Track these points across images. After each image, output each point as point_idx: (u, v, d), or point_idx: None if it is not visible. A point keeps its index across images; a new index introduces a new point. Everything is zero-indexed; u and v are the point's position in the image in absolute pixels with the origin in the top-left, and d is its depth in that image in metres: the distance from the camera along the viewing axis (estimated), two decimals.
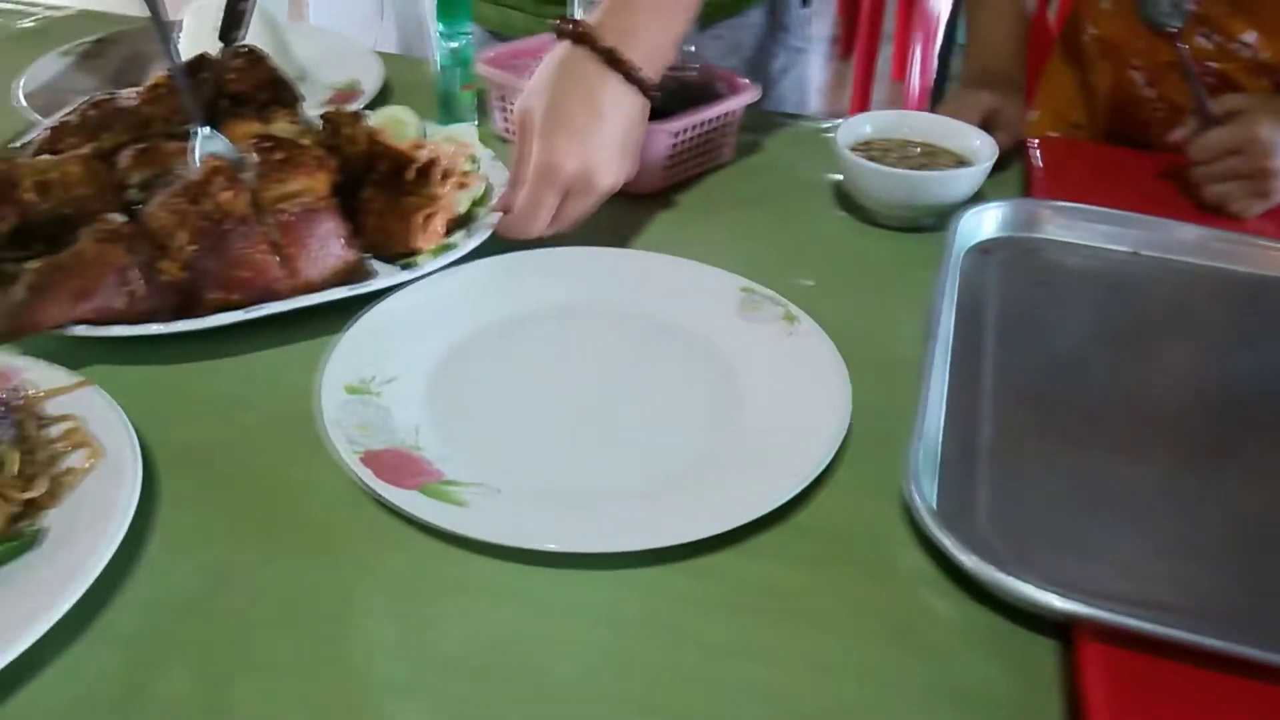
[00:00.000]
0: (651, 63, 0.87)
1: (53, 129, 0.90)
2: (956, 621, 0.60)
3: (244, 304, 0.79)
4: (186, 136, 0.90)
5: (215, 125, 0.91)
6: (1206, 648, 0.54)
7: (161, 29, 0.90)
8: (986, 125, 1.04)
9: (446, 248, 0.87)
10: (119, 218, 0.80)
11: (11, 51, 1.25)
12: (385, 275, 0.84)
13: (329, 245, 0.82)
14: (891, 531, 0.65)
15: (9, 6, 1.38)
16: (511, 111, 1.09)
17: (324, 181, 0.83)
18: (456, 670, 0.56)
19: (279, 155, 0.82)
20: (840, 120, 1.05)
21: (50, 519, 0.61)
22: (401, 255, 0.88)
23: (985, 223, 0.93)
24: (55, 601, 0.55)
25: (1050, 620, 0.58)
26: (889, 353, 0.80)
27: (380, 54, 1.26)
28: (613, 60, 0.85)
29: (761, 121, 1.15)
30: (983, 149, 0.97)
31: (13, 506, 0.60)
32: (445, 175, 0.93)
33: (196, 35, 1.15)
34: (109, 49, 1.22)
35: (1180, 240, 0.91)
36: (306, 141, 0.88)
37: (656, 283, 0.86)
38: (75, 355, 0.75)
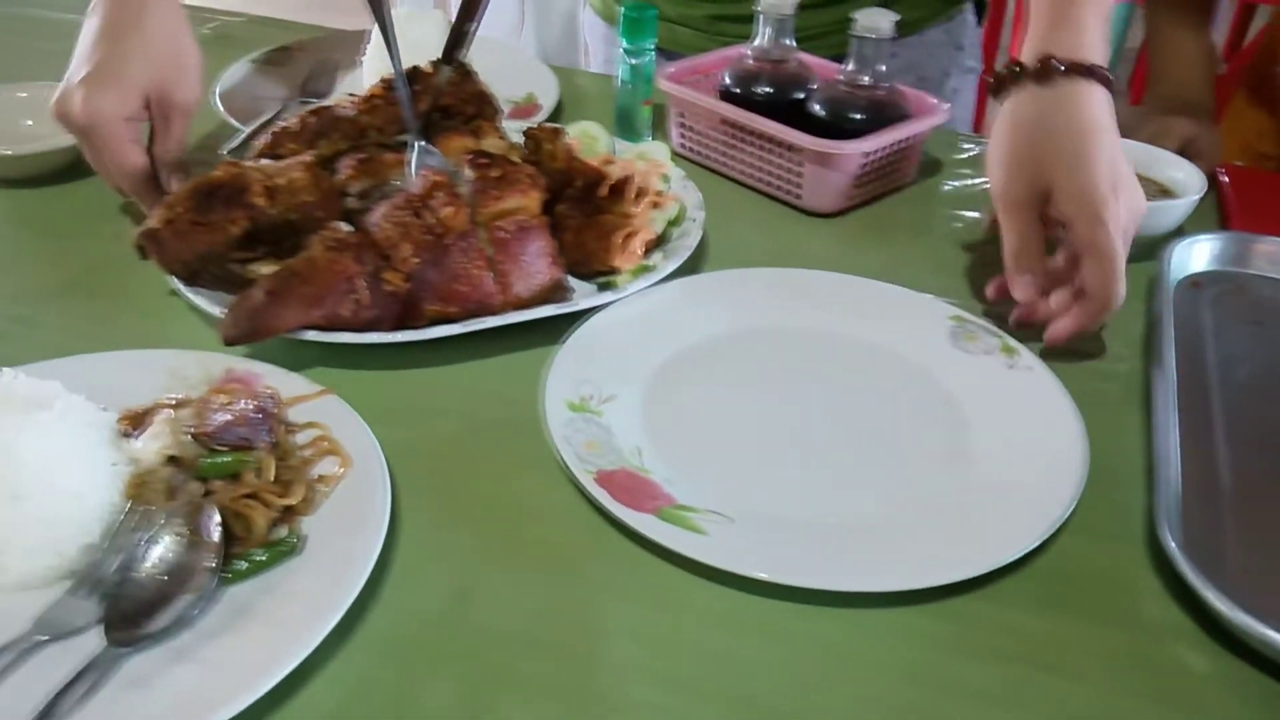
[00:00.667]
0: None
1: (274, 134, 0.92)
2: (1212, 674, 0.58)
3: (459, 316, 0.81)
4: (399, 147, 0.91)
5: (428, 138, 0.93)
6: None
7: (389, 43, 0.92)
8: (1183, 154, 1.01)
9: (645, 269, 0.88)
10: (345, 227, 0.82)
11: None
12: (581, 293, 0.86)
13: (539, 262, 0.83)
14: (1136, 576, 0.64)
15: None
16: (689, 128, 1.09)
17: (537, 200, 0.85)
18: (709, 701, 0.56)
19: (495, 172, 0.84)
20: None
21: (307, 526, 0.62)
22: (598, 273, 0.89)
23: (1196, 256, 0.91)
24: (326, 611, 0.56)
25: None
26: (1103, 387, 0.78)
27: (553, 68, 1.27)
28: (1103, 80, 0.79)
29: (940, 142, 1.14)
30: (1189, 181, 0.95)
31: (273, 512, 0.61)
32: (639, 194, 0.93)
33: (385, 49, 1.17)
34: (295, 56, 1.25)
35: None
36: (515, 157, 0.90)
37: (863, 305, 0.85)
38: (294, 360, 0.77)
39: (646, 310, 0.84)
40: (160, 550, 0.58)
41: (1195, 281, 0.90)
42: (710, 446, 0.72)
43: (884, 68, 1.02)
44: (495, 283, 0.81)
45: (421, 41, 1.16)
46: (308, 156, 0.88)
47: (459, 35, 0.96)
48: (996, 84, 0.84)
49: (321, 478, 0.65)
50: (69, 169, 1.02)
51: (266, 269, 0.82)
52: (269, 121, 1.09)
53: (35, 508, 0.57)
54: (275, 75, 1.22)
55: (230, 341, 0.75)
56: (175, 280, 0.82)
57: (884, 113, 1.03)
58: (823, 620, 0.61)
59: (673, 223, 0.93)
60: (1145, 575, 0.64)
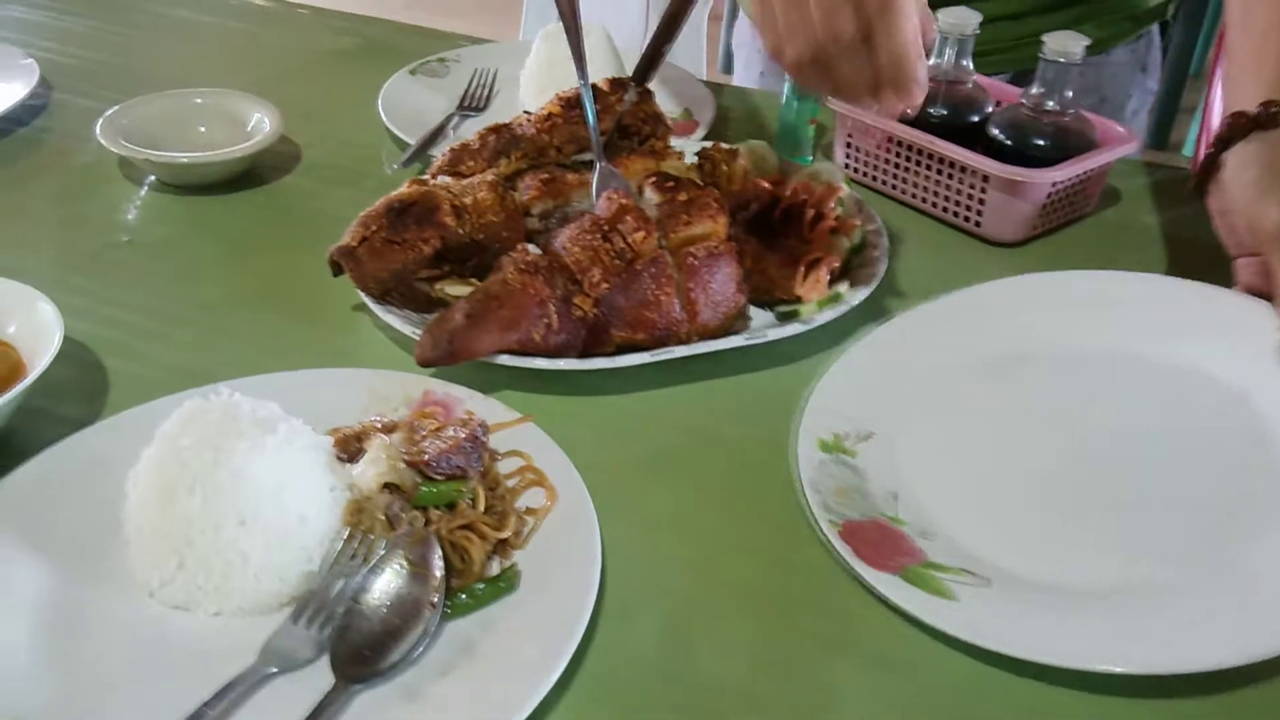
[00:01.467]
0: None
1: (453, 151, 0.91)
2: None
3: (646, 344, 0.79)
4: (579, 167, 0.90)
5: (608, 158, 0.91)
6: None
7: (580, 63, 0.90)
8: None
9: (834, 299, 0.84)
10: (534, 249, 0.81)
11: (345, 68, 1.30)
12: (759, 321, 0.84)
13: (726, 289, 0.81)
14: None
15: (334, 24, 1.43)
16: (856, 148, 1.06)
17: (724, 225, 0.82)
18: None
19: (682, 196, 0.82)
20: None
21: (519, 560, 0.61)
22: (779, 301, 0.86)
23: None
24: (552, 655, 0.55)
25: None
26: None
27: (707, 83, 1.25)
28: None
29: (1117, 170, 1.09)
30: None
31: (488, 545, 0.60)
32: (817, 218, 0.90)
33: (548, 62, 1.16)
34: (451, 67, 1.25)
35: None
36: (694, 178, 0.88)
37: (1158, 313, 0.76)
38: (480, 383, 0.75)
39: (901, 339, 0.81)
40: (384, 581, 0.57)
41: None
42: (976, 492, 0.66)
43: (1071, 93, 0.98)
44: (683, 309, 0.80)
45: (590, 56, 1.15)
46: (490, 175, 0.87)
47: (654, 56, 0.94)
48: (1233, 130, 0.80)
49: (529, 510, 0.64)
50: (242, 177, 1.02)
51: (452, 288, 0.82)
52: (436, 133, 1.08)
53: (262, 533, 0.57)
54: (434, 86, 1.21)
55: (427, 363, 0.75)
56: (366, 297, 0.82)
57: (1070, 140, 0.98)
58: (1083, 705, 0.56)
59: (854, 250, 0.90)
60: None
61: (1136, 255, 0.97)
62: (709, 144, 0.96)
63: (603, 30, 1.18)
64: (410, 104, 1.16)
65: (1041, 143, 0.98)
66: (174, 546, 0.56)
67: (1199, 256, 0.95)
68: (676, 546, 0.65)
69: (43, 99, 1.16)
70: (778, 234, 0.89)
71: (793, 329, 0.81)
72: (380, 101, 1.14)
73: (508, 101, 1.20)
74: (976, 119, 1.03)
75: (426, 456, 0.62)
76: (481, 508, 0.62)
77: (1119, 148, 0.99)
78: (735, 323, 0.82)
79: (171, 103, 1.06)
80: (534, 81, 1.17)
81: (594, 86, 0.94)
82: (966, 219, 0.99)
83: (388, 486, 0.61)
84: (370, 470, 0.61)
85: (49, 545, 0.61)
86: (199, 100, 1.07)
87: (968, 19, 1.00)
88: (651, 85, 1.22)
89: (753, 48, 1.42)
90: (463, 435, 0.64)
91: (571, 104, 0.93)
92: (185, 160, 0.99)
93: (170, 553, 0.57)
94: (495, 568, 0.60)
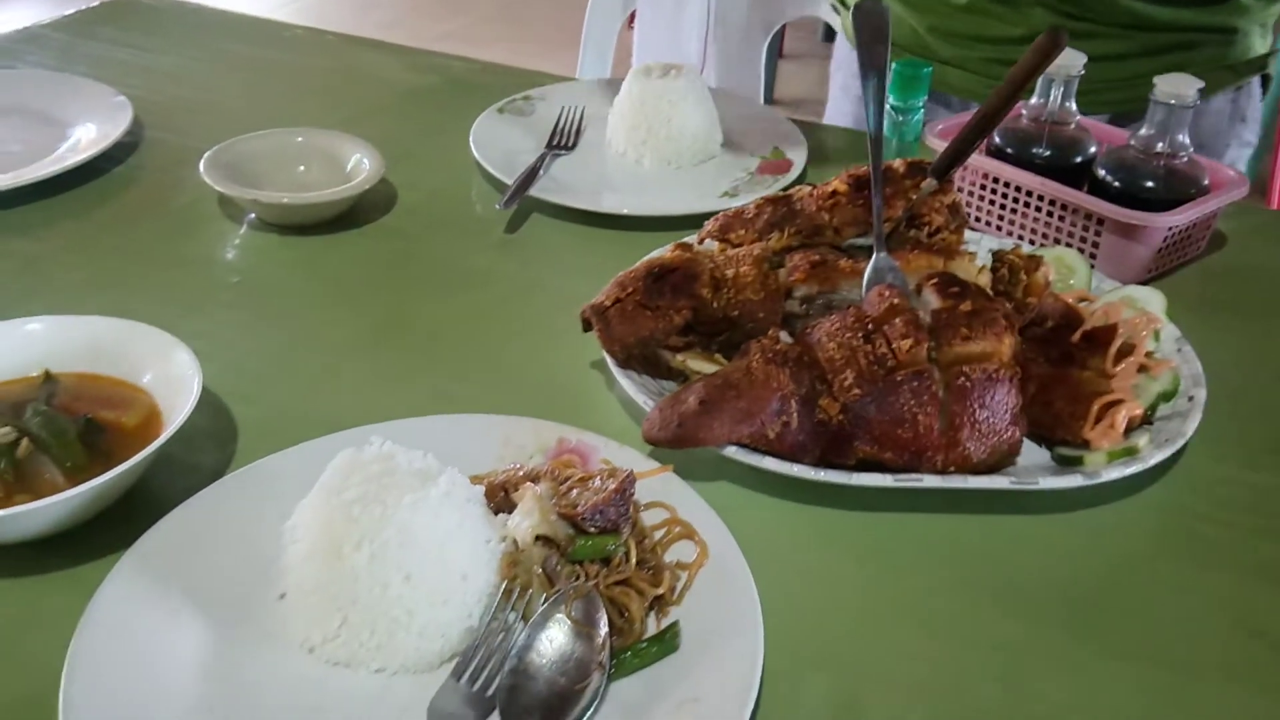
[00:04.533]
0: None
1: (726, 217, 0.88)
2: None
3: (893, 464, 0.71)
4: (854, 252, 0.84)
5: (889, 248, 0.83)
6: None
7: (874, 149, 0.86)
8: None
9: (1128, 453, 0.72)
10: (786, 337, 0.77)
11: (428, 106, 1.30)
12: (1032, 461, 0.74)
13: (1000, 420, 0.70)
14: None
15: (415, 62, 1.43)
16: (958, 189, 1.04)
17: (1010, 346, 0.72)
18: None
19: (967, 306, 0.73)
20: None
21: (675, 615, 0.59)
22: (1061, 442, 0.75)
23: None
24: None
25: None
26: None
27: (794, 120, 1.25)
28: None
29: (1250, 211, 1.07)
30: None
31: (646, 601, 0.59)
32: (1123, 351, 0.78)
33: (639, 100, 1.15)
34: (536, 105, 1.25)
35: None
36: (984, 283, 0.81)
37: None
38: (697, 469, 0.71)
39: None
40: (548, 640, 0.56)
41: None
42: None
43: (1183, 137, 0.97)
44: (943, 435, 0.70)
45: (675, 95, 1.15)
46: (758, 249, 0.83)
47: (963, 151, 0.85)
48: None
49: (681, 564, 0.62)
50: (341, 218, 1.02)
51: (694, 362, 0.78)
52: (531, 172, 1.08)
53: (426, 588, 0.56)
54: (521, 125, 1.21)
55: (654, 442, 0.71)
56: (610, 360, 0.79)
57: (1179, 183, 0.97)
58: None
59: (1164, 397, 0.77)
60: None
61: (1244, 297, 0.96)
62: (1010, 246, 0.88)
63: (695, 73, 1.18)
64: (499, 142, 1.16)
65: (1151, 184, 0.97)
66: (338, 603, 0.55)
67: None
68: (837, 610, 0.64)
69: (136, 137, 1.17)
70: (1072, 361, 0.78)
71: (1071, 480, 0.70)
72: (473, 141, 1.14)
73: (595, 139, 1.20)
74: (1080, 160, 1.02)
75: (579, 509, 0.60)
76: (634, 562, 0.61)
77: (1233, 190, 0.97)
78: (1005, 460, 0.72)
79: (271, 142, 1.07)
80: (624, 120, 1.17)
81: (888, 168, 0.87)
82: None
83: (540, 539, 0.60)
84: (525, 522, 0.60)
85: (201, 599, 0.60)
86: (299, 139, 1.07)
87: (1074, 60, 0.99)
88: (738, 121, 1.22)
89: (849, 71, 1.40)
90: (612, 486, 0.62)
91: (861, 183, 0.87)
92: (291, 201, 0.99)
93: (334, 609, 0.56)
94: (651, 625, 0.59)
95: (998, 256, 0.85)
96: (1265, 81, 1.27)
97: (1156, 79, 0.95)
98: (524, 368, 0.84)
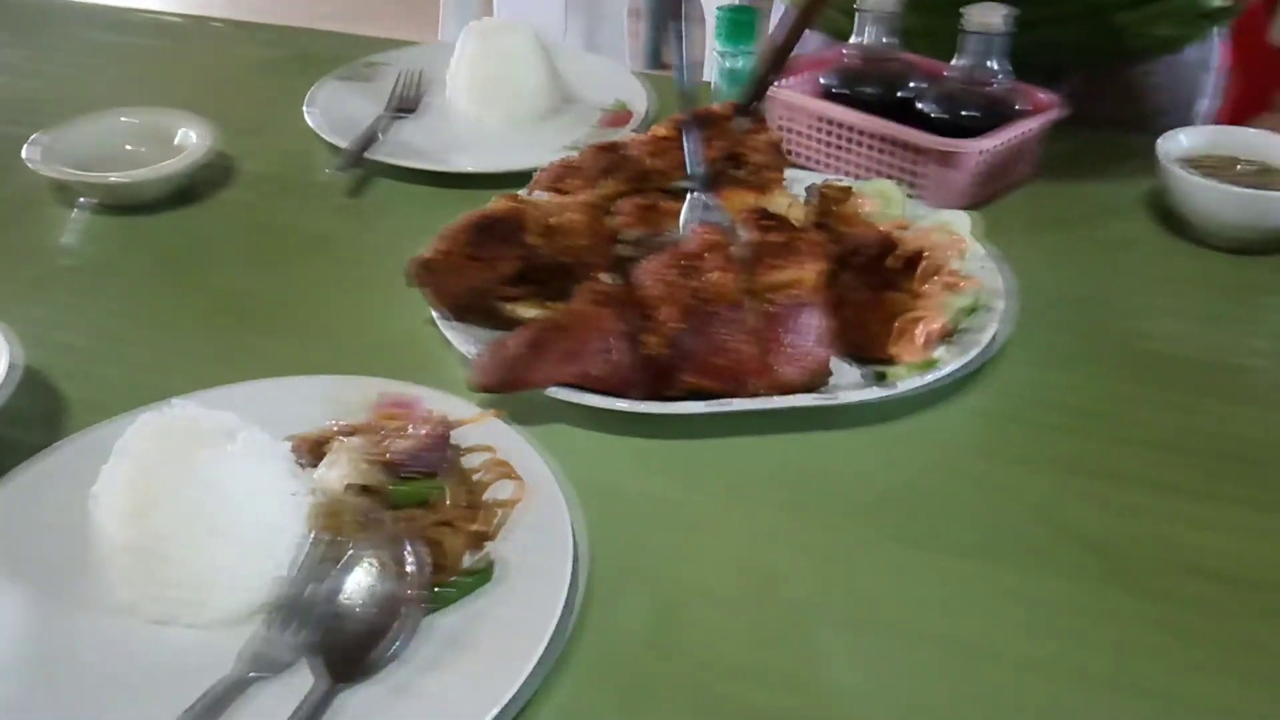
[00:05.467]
0: None
1: (558, 167, 0.89)
2: None
3: (714, 391, 0.73)
4: (680, 194, 0.86)
5: (711, 188, 0.86)
6: None
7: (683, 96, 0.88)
8: None
9: (928, 365, 0.76)
10: (612, 278, 0.78)
11: (274, 80, 1.29)
12: (846, 379, 0.76)
13: (808, 343, 0.74)
14: None
15: (259, 37, 1.41)
16: (793, 131, 1.07)
17: (816, 272, 0.75)
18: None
19: (777, 237, 0.76)
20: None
21: (495, 551, 0.61)
22: (872, 360, 0.78)
23: None
24: (534, 639, 0.55)
25: None
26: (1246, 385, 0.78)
27: (638, 73, 1.26)
28: None
29: (1073, 135, 1.11)
30: None
31: (465, 539, 0.60)
32: (931, 271, 0.82)
33: (474, 58, 1.16)
34: (380, 71, 1.24)
35: None
36: (799, 215, 0.83)
37: None
38: (534, 414, 0.73)
39: None
40: (359, 581, 0.57)
41: None
42: None
43: (994, 64, 1.00)
44: (757, 360, 0.73)
45: (511, 52, 1.16)
46: (586, 196, 0.84)
47: (762, 86, 0.90)
48: None
49: (500, 501, 0.64)
50: (181, 194, 1.01)
51: (526, 310, 0.79)
52: (368, 135, 1.08)
53: (235, 542, 0.56)
54: (362, 91, 1.21)
55: (481, 389, 0.72)
56: (437, 314, 0.80)
57: (1000, 109, 1.01)
58: None
59: (966, 312, 0.81)
60: None
61: (1064, 214, 1.00)
62: (828, 179, 0.92)
63: (529, 30, 1.19)
64: (341, 110, 1.15)
65: (971, 113, 1.01)
66: (148, 564, 0.56)
67: (1123, 212, 0.98)
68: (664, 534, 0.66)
69: None
70: (890, 286, 0.82)
71: (870, 393, 0.74)
72: (306, 108, 1.14)
73: (437, 100, 1.20)
74: (907, 94, 1.05)
75: (394, 456, 0.62)
76: (456, 502, 0.62)
77: (1046, 114, 1.01)
78: (815, 380, 0.75)
79: (99, 124, 1.05)
80: (461, 78, 1.18)
81: (709, 111, 0.90)
82: (908, 194, 1.00)
83: (362, 489, 0.61)
84: (331, 473, 0.61)
85: (22, 571, 0.60)
86: (126, 119, 1.06)
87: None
88: (577, 76, 1.23)
89: None
90: (427, 432, 0.64)
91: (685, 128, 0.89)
92: (119, 179, 0.98)
93: (145, 569, 0.56)
94: (474, 561, 0.61)
95: (810, 190, 0.88)
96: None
97: (965, 10, 0.99)
98: (364, 329, 0.85)
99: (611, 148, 0.91)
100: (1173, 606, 0.62)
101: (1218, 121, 1.19)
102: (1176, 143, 0.99)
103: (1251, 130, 0.99)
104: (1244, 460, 0.72)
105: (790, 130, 1.08)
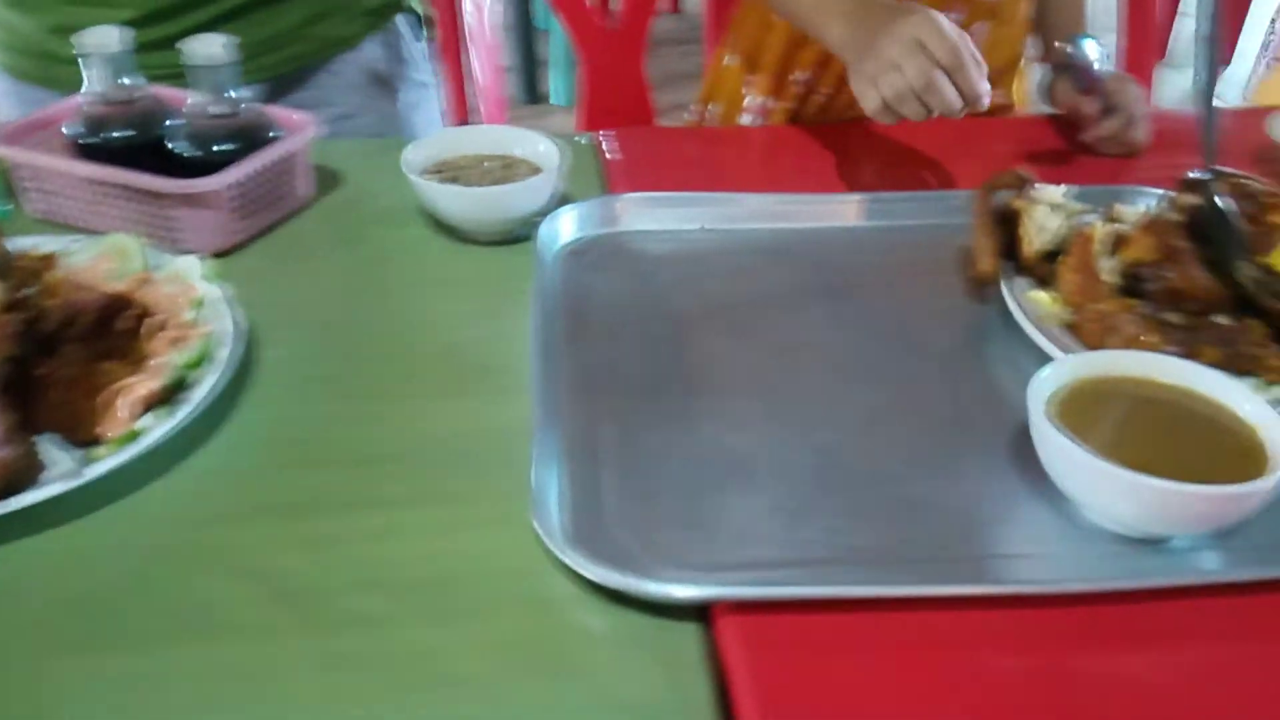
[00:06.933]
0: None
1: None
2: (610, 634, 0.61)
3: None
4: None
5: None
6: (819, 596, 0.59)
7: None
8: None
9: (131, 437, 0.69)
10: None
11: None
12: (61, 469, 0.68)
13: None
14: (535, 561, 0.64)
15: None
16: (47, 191, 0.97)
17: None
18: None
19: None
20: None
21: None
22: (90, 442, 0.71)
23: (566, 226, 0.95)
24: None
25: (687, 607, 0.61)
26: (507, 371, 0.80)
27: None
28: None
29: (341, 153, 1.11)
30: (549, 154, 0.99)
31: None
32: (156, 327, 0.77)
33: None
34: None
35: (745, 210, 0.98)
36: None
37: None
38: None
39: None
40: None
41: (576, 249, 0.94)
42: None
43: (233, 93, 0.96)
44: None
45: None
46: None
47: None
48: None
49: None
50: None
51: None
52: None
53: None
54: None
55: None
56: None
57: (255, 136, 0.97)
58: None
59: (191, 365, 0.75)
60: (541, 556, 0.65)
61: (357, 233, 1.00)
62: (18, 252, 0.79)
63: None
64: None
65: (228, 147, 0.96)
66: None
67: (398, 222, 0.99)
68: None
69: None
70: (117, 353, 0.75)
71: (71, 481, 0.66)
72: None
73: None
74: (163, 133, 0.99)
75: None
76: None
77: (297, 135, 0.99)
78: (10, 479, 0.66)
79: None
80: None
81: None
82: (170, 240, 0.94)
83: None
84: None
85: None
86: None
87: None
88: None
89: None
90: None
91: None
92: None
93: None
94: None
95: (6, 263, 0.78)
96: (424, 22, 1.32)
97: (182, 43, 0.94)
98: None
99: None
100: (360, 631, 0.61)
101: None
102: (427, 152, 1.00)
103: (486, 127, 1.03)
104: (389, 459, 0.73)
105: (50, 192, 0.98)
